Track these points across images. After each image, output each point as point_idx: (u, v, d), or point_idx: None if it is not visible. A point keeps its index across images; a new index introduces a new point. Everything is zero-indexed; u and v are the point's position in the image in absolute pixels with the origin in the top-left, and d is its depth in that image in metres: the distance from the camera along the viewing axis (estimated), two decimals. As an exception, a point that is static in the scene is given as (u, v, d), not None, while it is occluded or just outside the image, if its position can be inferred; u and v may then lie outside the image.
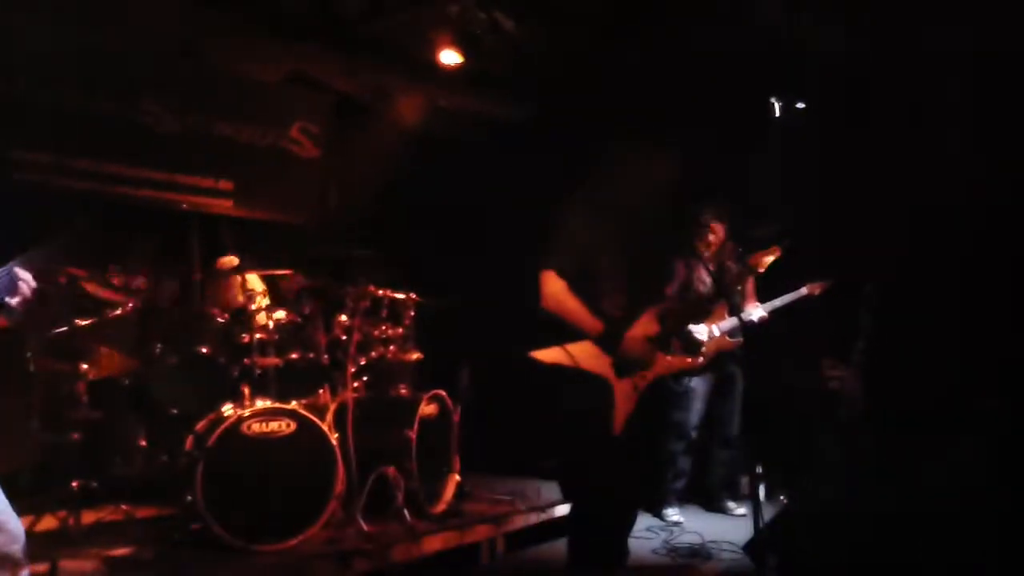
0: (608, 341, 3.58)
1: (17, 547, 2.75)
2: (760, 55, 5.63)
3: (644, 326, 3.71)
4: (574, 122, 6.31)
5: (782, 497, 5.93)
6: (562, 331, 3.57)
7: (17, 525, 2.77)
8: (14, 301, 2.77)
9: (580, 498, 3.72)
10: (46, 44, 5.49)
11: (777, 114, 5.92)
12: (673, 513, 5.80)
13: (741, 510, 5.95)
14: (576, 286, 3.55)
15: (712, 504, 6.06)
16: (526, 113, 7.03)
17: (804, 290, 5.69)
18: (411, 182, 6.72)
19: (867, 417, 5.68)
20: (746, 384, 5.85)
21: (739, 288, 5.66)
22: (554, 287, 3.54)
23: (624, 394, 3.61)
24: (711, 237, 5.71)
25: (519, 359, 3.65)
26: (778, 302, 5.70)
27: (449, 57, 6.24)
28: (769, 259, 5.21)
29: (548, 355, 3.52)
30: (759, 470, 5.71)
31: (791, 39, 5.52)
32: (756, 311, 5.66)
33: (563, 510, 5.37)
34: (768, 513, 4.57)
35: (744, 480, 6.21)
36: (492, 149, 6.91)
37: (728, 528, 5.45)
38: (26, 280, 2.77)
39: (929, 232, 5.60)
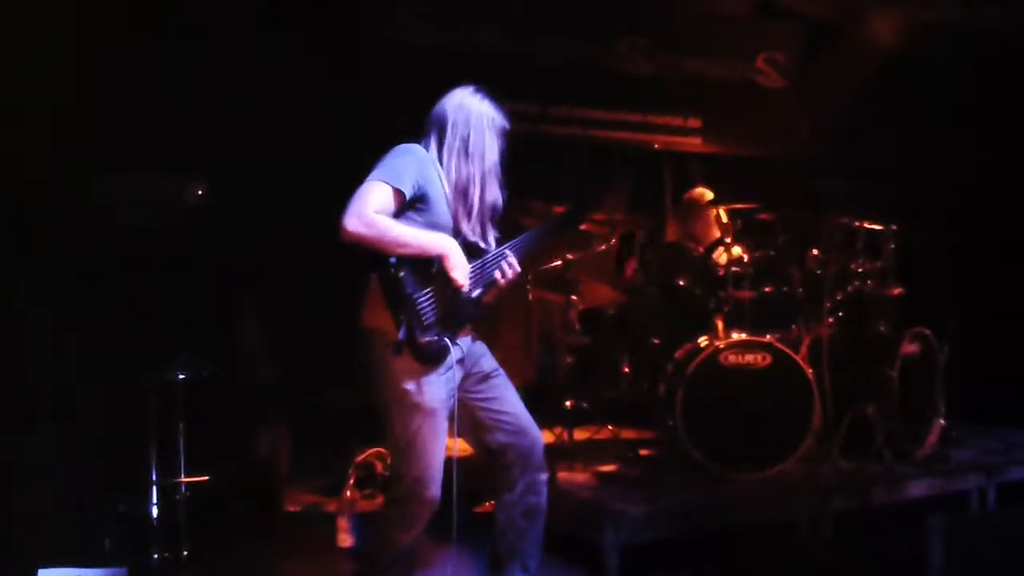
0: None
1: (538, 452, 3.11)
2: None
3: None
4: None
5: None
6: None
7: (538, 434, 3.13)
8: (501, 279, 2.97)
9: None
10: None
11: None
12: None
13: None
14: None
15: None
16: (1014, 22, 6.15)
17: None
18: (887, 105, 6.26)
19: None
20: None
21: None
22: None
23: None
24: None
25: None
26: None
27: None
28: None
29: None
30: None
31: None
32: None
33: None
34: None
35: None
36: (976, 64, 6.17)
37: None
38: (512, 268, 2.96)
39: None
